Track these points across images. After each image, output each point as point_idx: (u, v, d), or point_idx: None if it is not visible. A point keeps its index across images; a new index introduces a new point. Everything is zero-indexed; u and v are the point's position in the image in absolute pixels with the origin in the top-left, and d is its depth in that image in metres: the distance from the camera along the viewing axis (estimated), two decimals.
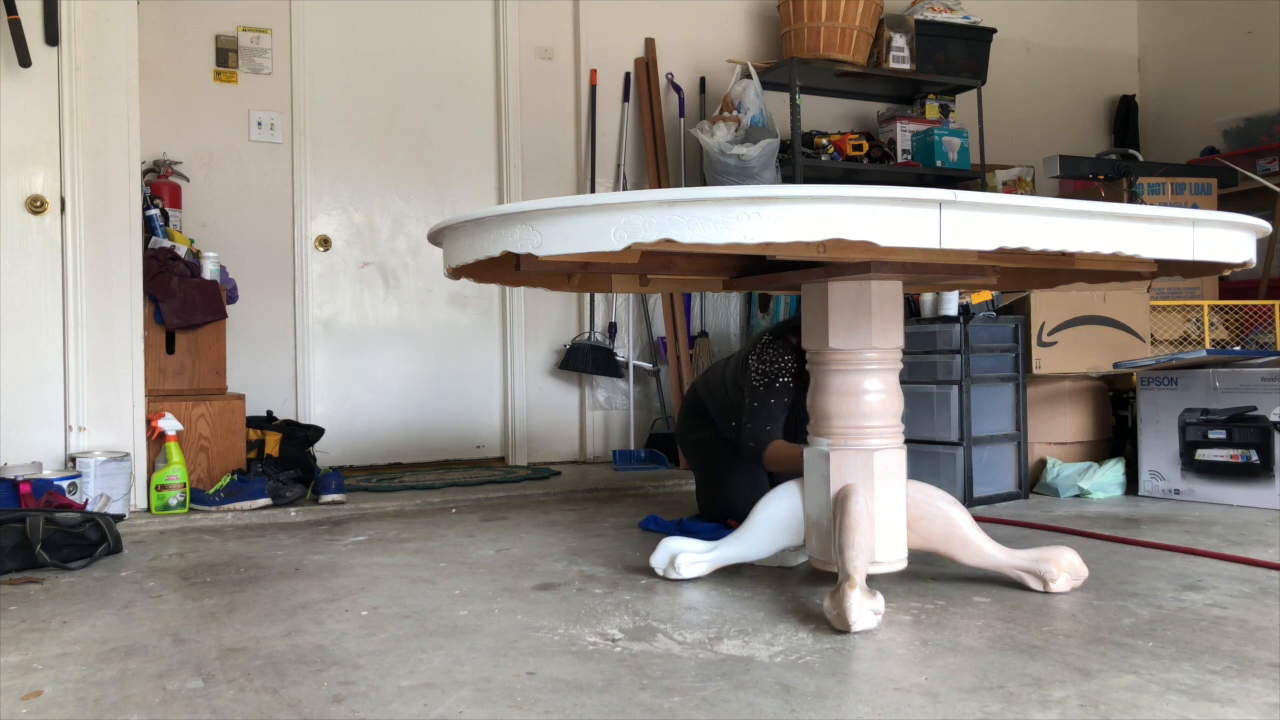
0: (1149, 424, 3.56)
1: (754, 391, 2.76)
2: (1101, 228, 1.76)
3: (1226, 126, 5.49)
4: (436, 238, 2.07)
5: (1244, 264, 1.97)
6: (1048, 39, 5.92)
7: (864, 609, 1.85)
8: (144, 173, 3.77)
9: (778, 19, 4.92)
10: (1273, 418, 3.26)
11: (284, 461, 3.65)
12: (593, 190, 4.79)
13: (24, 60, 3.15)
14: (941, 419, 3.48)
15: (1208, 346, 4.04)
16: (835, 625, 1.86)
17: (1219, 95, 5.64)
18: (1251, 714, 1.43)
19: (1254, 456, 3.30)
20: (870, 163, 4.92)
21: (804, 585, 2.24)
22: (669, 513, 3.26)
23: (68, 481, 3.05)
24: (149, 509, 3.31)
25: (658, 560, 2.32)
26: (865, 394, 2.13)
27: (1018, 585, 2.17)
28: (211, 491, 3.36)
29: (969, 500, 3.41)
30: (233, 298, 3.88)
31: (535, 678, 1.63)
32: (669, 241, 1.64)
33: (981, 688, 1.56)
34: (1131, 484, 3.63)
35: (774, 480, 2.88)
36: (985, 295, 3.62)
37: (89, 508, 3.04)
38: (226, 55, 4.24)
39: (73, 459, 3.19)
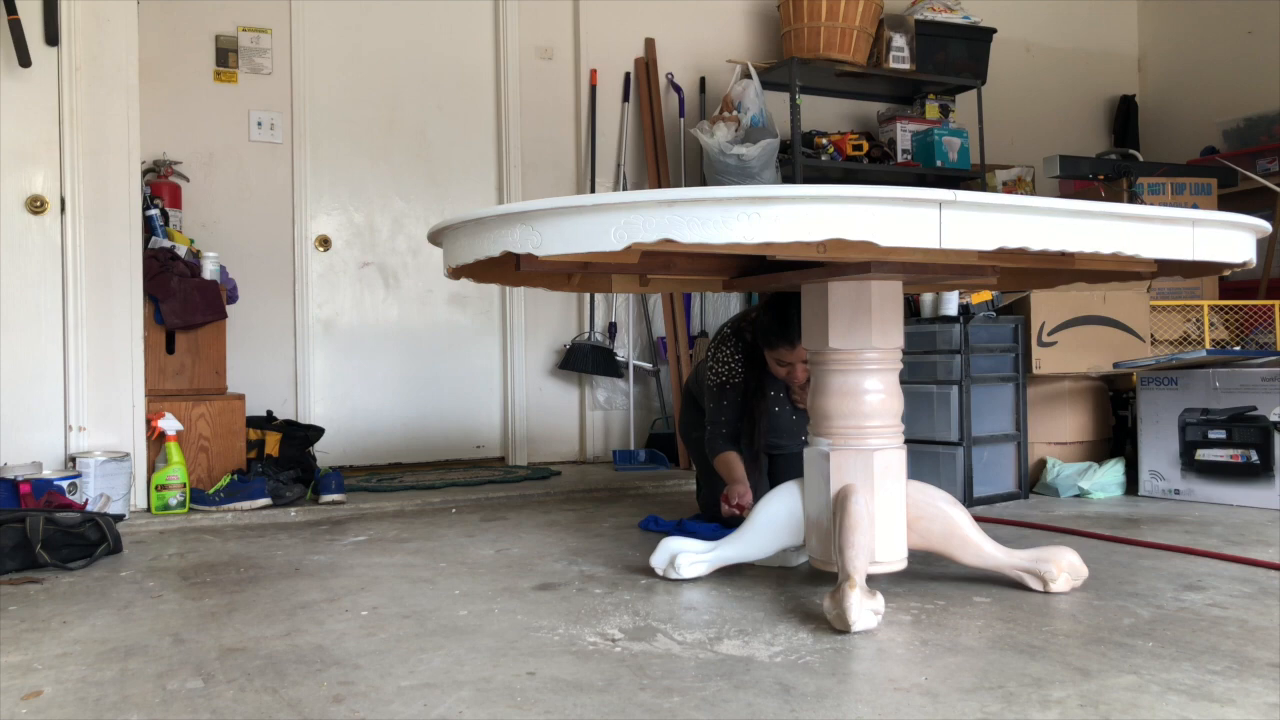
0: (1149, 424, 3.56)
1: (709, 391, 2.88)
2: (1101, 228, 1.76)
3: (1226, 126, 5.49)
4: (436, 238, 2.07)
5: (1244, 264, 1.97)
6: (1048, 39, 5.92)
7: (864, 609, 1.85)
8: (144, 173, 3.77)
9: (778, 19, 4.92)
10: (1273, 418, 3.26)
11: (284, 461, 3.65)
12: (593, 190, 4.79)
13: (24, 60, 3.15)
14: (941, 419, 3.48)
15: (1208, 346, 4.04)
16: (835, 625, 1.86)
17: (1219, 95, 5.64)
18: (1251, 714, 1.43)
19: (1254, 456, 3.29)
20: (870, 163, 4.92)
21: (804, 585, 2.24)
22: (669, 513, 3.26)
23: (68, 481, 3.05)
24: (149, 509, 3.31)
25: (658, 560, 2.32)
26: (865, 394, 2.13)
27: (1018, 585, 2.17)
28: (211, 491, 3.36)
29: (969, 500, 3.41)
30: (233, 298, 3.88)
31: (535, 678, 1.63)
32: (669, 241, 1.64)
33: (981, 688, 1.55)
34: (1131, 484, 3.63)
35: (774, 480, 2.88)
36: (985, 295, 3.62)
37: (89, 508, 3.03)
38: (226, 55, 4.24)
39: (73, 459, 3.19)
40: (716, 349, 2.86)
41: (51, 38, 3.23)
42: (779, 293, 2.67)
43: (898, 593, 2.15)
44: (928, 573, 2.32)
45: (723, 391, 2.82)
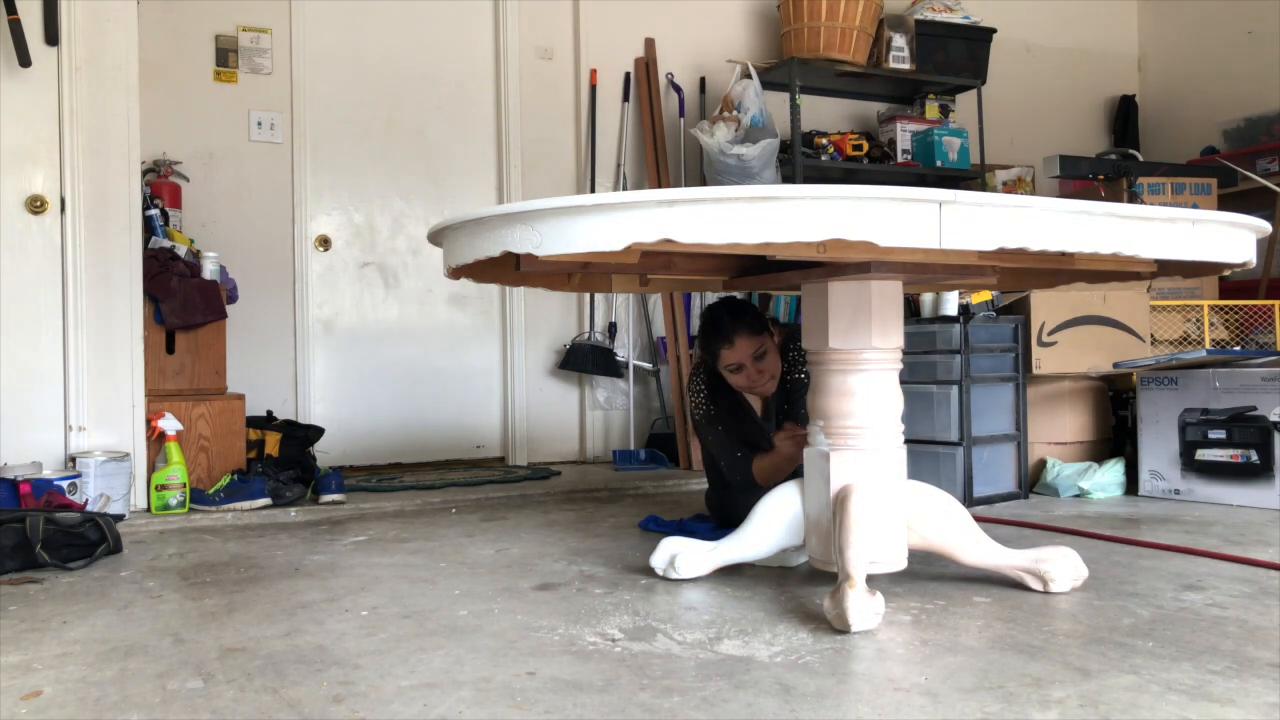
0: (1149, 424, 3.56)
1: (699, 430, 2.91)
2: (1101, 228, 1.76)
3: (1226, 126, 5.49)
4: (436, 238, 2.07)
5: (1244, 264, 1.97)
6: (1048, 39, 5.92)
7: (864, 609, 1.85)
8: (144, 173, 3.77)
9: (778, 19, 4.92)
10: (1273, 418, 3.26)
11: (284, 461, 3.65)
12: (593, 190, 4.79)
13: (24, 60, 3.15)
14: (941, 419, 3.48)
15: (1208, 346, 4.04)
16: (835, 625, 1.86)
17: (1219, 95, 5.64)
18: (1251, 714, 1.43)
19: (1254, 456, 3.29)
20: (870, 163, 4.92)
21: (804, 585, 2.24)
22: (669, 513, 3.26)
23: (68, 481, 3.05)
24: (149, 509, 3.31)
25: (658, 560, 2.32)
26: (865, 394, 2.13)
27: (1018, 585, 2.17)
28: (211, 491, 3.36)
29: (969, 500, 3.41)
30: (233, 298, 3.88)
31: (535, 678, 1.63)
32: (669, 241, 1.64)
33: (981, 688, 1.55)
34: (1131, 484, 3.63)
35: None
36: (985, 295, 3.62)
37: (89, 508, 3.03)
38: (226, 55, 4.24)
39: (73, 459, 3.19)
40: (688, 388, 2.93)
41: (51, 38, 3.23)
42: (711, 304, 2.78)
43: (898, 593, 2.15)
44: (928, 573, 2.32)
45: (709, 422, 2.84)
